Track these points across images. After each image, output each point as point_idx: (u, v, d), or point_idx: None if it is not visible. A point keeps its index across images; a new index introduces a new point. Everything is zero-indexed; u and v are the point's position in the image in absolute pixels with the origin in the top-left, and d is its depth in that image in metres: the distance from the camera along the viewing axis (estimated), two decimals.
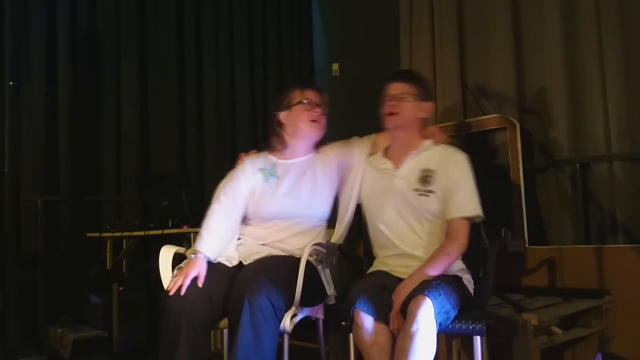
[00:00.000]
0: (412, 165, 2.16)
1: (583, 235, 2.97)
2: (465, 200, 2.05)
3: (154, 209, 3.48)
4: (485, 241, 2.25)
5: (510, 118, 3.02)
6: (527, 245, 2.84)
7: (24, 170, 3.59)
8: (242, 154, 2.42)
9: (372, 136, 2.38)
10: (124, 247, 3.68)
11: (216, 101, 4.66)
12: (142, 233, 3.34)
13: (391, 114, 2.14)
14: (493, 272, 2.05)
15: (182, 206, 3.32)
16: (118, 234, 3.54)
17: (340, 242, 2.31)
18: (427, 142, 2.18)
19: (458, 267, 2.13)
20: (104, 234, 3.58)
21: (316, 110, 2.29)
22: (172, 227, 3.28)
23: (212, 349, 3.19)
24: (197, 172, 4.48)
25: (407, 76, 2.23)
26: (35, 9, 3.79)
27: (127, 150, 4.15)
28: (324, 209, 2.30)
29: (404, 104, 2.13)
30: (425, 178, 2.11)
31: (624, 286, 2.60)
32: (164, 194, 3.41)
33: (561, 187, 3.10)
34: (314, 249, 2.18)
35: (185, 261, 2.15)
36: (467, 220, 2.06)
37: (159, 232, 3.25)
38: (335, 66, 4.80)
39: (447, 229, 2.06)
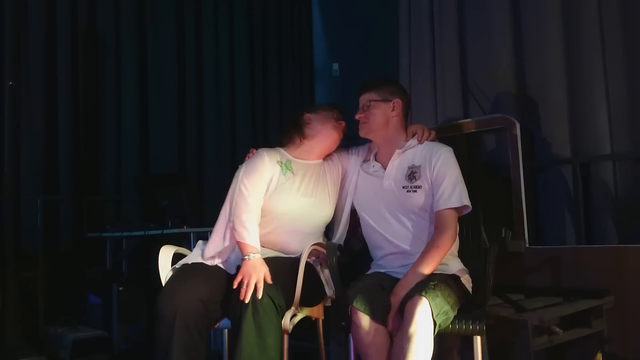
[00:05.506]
0: (397, 164, 2.22)
1: (583, 235, 2.96)
2: (450, 192, 2.08)
3: (154, 209, 3.48)
4: (486, 241, 2.25)
5: (510, 118, 3.01)
6: (527, 245, 2.83)
7: (23, 170, 3.60)
8: (253, 149, 2.38)
9: (367, 144, 2.42)
10: (124, 247, 3.68)
11: (216, 101, 4.66)
12: (142, 233, 3.35)
13: (360, 124, 2.27)
14: (493, 272, 2.04)
15: (182, 206, 3.32)
16: (118, 234, 3.54)
17: (341, 242, 2.32)
18: (411, 140, 2.24)
19: (457, 267, 2.14)
20: (104, 234, 3.58)
21: (343, 127, 2.37)
22: (172, 227, 3.28)
23: (212, 348, 3.19)
24: (197, 172, 4.48)
25: (369, 85, 2.31)
26: (35, 8, 3.80)
27: (127, 150, 4.16)
28: (330, 213, 2.34)
29: (370, 111, 2.24)
30: (412, 174, 2.17)
31: (625, 286, 2.60)
32: (164, 194, 3.42)
33: (561, 186, 3.09)
34: (313, 249, 2.18)
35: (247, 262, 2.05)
36: (454, 211, 2.09)
37: (159, 232, 3.26)
38: (335, 66, 4.80)
39: (435, 222, 2.09)
